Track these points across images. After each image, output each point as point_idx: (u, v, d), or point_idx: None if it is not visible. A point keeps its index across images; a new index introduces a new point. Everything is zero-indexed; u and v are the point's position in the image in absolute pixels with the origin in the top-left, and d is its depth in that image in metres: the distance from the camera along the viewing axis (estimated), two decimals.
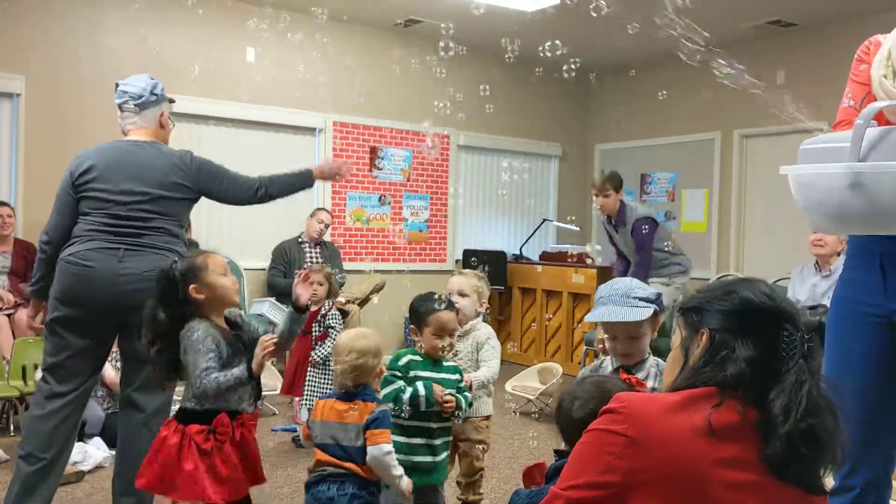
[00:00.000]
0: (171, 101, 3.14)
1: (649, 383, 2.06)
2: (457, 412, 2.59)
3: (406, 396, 2.52)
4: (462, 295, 3.00)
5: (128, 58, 5.90)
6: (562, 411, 1.77)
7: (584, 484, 1.31)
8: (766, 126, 6.65)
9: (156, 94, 3.02)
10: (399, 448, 2.44)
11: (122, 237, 2.77)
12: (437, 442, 2.61)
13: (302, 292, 2.55)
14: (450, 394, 2.57)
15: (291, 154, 6.75)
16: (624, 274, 5.27)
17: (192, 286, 2.38)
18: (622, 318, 2.07)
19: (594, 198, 5.21)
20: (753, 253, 6.99)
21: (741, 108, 6.78)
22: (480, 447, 2.97)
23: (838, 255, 4.53)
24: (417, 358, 2.63)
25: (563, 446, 1.87)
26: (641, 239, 5.14)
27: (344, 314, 5.55)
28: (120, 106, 2.98)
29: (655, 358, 2.17)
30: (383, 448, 2.28)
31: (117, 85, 3.01)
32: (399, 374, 2.59)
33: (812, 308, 4.46)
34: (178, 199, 2.90)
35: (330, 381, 4.17)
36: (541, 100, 7.97)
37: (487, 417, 3.01)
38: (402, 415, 2.51)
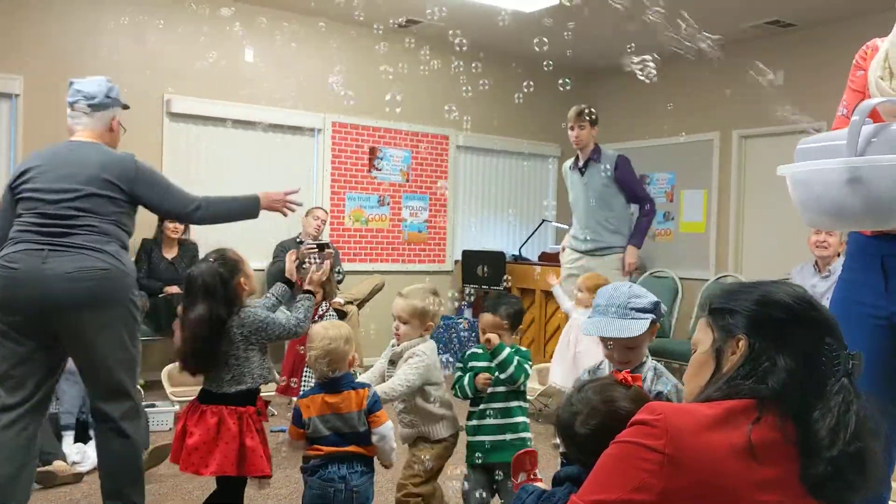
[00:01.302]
0: (125, 107, 3.09)
1: (645, 386, 2.05)
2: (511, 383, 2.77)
3: (456, 385, 2.88)
4: (403, 322, 2.86)
5: (126, 59, 5.90)
6: (562, 425, 1.63)
7: (613, 500, 1.22)
8: (764, 126, 6.65)
9: (110, 98, 2.97)
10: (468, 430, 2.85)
11: (48, 237, 2.69)
12: (496, 422, 2.81)
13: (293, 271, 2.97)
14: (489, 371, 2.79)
15: (290, 155, 6.75)
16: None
17: (240, 280, 2.67)
18: (619, 333, 2.05)
19: (569, 131, 5.06)
20: (752, 253, 6.99)
21: (740, 108, 6.78)
22: (417, 466, 2.82)
23: (838, 255, 4.52)
24: (478, 350, 2.91)
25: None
26: (630, 177, 5.03)
27: (342, 315, 5.55)
28: (71, 105, 2.93)
29: (653, 361, 2.16)
30: (388, 425, 2.50)
31: (71, 83, 2.95)
32: (461, 366, 2.93)
33: None
34: (109, 198, 2.78)
35: None
36: (540, 99, 7.96)
37: (437, 442, 2.85)
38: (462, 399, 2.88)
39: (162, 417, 4.58)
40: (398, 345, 2.88)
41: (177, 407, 4.73)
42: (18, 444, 2.70)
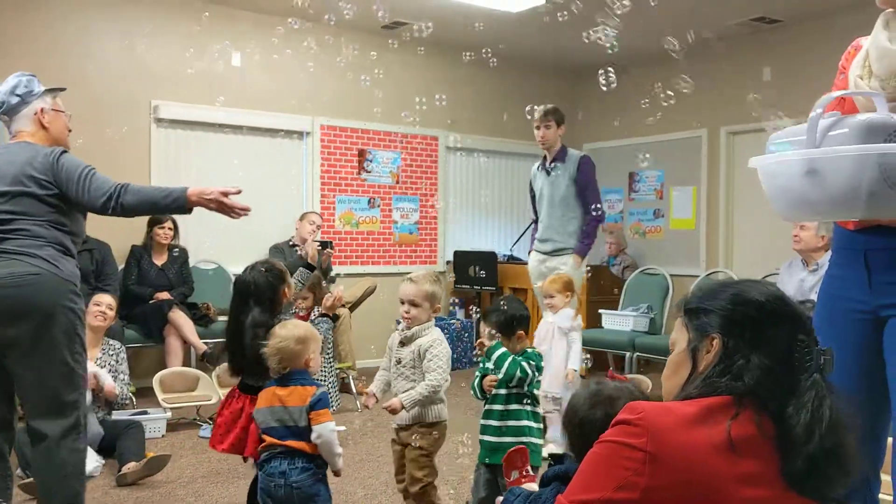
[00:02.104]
0: (56, 90, 2.86)
1: None
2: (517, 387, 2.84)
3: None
4: (414, 305, 2.96)
5: (113, 66, 5.88)
6: (567, 419, 1.66)
7: (597, 499, 1.25)
8: (751, 123, 6.67)
9: (18, 95, 2.77)
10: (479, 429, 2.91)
11: None
12: (496, 423, 2.87)
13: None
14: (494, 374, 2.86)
15: (280, 159, 6.74)
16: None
17: (284, 289, 2.92)
18: None
19: (535, 130, 5.05)
20: (742, 249, 7.02)
21: (727, 105, 6.80)
22: (416, 452, 2.89)
23: (826, 249, 4.54)
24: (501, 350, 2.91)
25: (555, 449, 1.86)
26: (588, 179, 5.03)
27: (335, 318, 5.54)
28: None
29: None
30: (328, 426, 2.52)
31: None
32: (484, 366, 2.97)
33: (800, 303, 4.47)
34: (38, 197, 2.63)
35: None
36: (528, 99, 7.97)
37: (432, 425, 2.93)
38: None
39: (155, 425, 4.56)
40: (408, 328, 2.98)
41: (169, 414, 4.72)
42: None
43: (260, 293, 2.85)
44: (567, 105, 8.43)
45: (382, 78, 6.56)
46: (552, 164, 5.09)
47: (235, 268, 6.07)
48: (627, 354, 5.98)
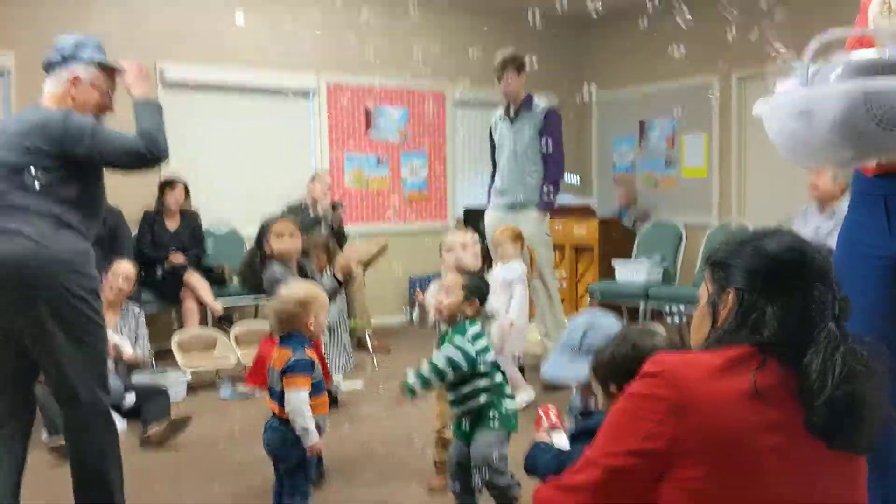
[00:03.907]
0: (110, 67, 2.61)
1: None
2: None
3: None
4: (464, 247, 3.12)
5: (117, 29, 5.81)
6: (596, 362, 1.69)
7: (624, 451, 1.26)
8: (762, 67, 6.56)
9: (63, 56, 2.54)
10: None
11: None
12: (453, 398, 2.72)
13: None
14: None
15: (285, 119, 6.69)
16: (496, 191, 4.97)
17: (266, 241, 3.40)
18: (566, 377, 1.96)
19: (497, 81, 4.82)
20: (756, 196, 6.96)
21: (737, 50, 6.68)
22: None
23: (842, 194, 4.50)
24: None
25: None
26: (553, 133, 4.77)
27: (348, 278, 5.56)
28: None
29: None
30: (298, 394, 2.51)
31: None
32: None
33: None
34: (34, 166, 2.38)
35: (329, 341, 4.23)
36: (535, 49, 7.87)
37: None
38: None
39: (176, 388, 4.61)
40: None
41: (189, 376, 4.77)
42: None
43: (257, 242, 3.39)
44: (576, 54, 8.33)
45: (387, 33, 6.49)
46: (516, 113, 4.87)
47: (248, 229, 6.08)
48: (641, 305, 5.98)
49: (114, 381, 4.08)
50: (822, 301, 1.28)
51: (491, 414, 2.66)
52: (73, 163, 2.44)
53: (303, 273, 3.51)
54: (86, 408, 2.47)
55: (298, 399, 2.51)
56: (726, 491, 1.21)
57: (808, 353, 1.25)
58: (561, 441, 1.73)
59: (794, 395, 1.25)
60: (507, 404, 2.70)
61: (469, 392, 2.65)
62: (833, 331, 1.27)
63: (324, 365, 2.96)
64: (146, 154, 2.48)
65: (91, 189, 2.53)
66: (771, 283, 1.30)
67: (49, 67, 2.56)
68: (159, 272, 5.54)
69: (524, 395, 4.27)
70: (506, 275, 4.23)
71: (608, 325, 1.96)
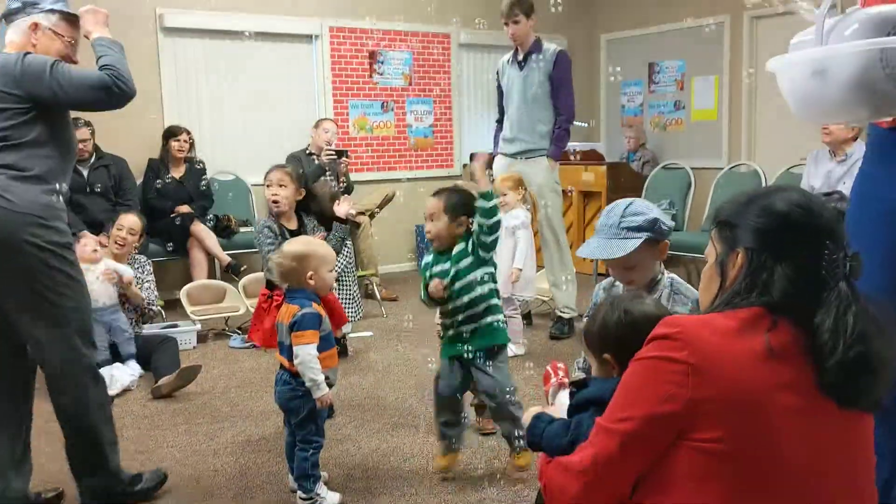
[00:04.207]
0: (69, 14, 2.51)
1: (663, 302, 1.99)
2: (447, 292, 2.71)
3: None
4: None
5: None
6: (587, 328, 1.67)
7: (640, 416, 1.25)
8: (776, 6, 6.40)
9: (23, 2, 2.46)
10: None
11: None
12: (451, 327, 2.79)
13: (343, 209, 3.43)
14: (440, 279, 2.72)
15: (288, 64, 6.59)
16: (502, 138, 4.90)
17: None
18: (608, 255, 2.01)
19: (504, 27, 4.71)
20: (766, 140, 6.87)
21: None
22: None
23: (855, 139, 4.43)
24: (428, 259, 2.84)
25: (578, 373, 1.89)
26: (564, 77, 4.70)
27: (355, 226, 5.54)
28: None
29: (671, 277, 2.11)
30: (306, 349, 2.52)
31: None
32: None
33: (827, 195, 4.40)
34: (9, 112, 2.33)
35: (338, 291, 4.22)
36: None
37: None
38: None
39: (185, 336, 4.65)
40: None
41: (198, 326, 4.80)
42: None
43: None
44: None
45: None
46: (525, 58, 4.76)
47: (252, 178, 6.05)
48: None
49: (121, 320, 4.08)
50: (832, 260, 1.27)
51: (494, 322, 2.74)
52: (37, 105, 2.36)
53: (301, 226, 3.49)
54: (64, 366, 2.44)
55: (306, 353, 2.52)
56: (742, 451, 1.21)
57: (820, 312, 1.24)
58: (564, 399, 1.73)
59: (806, 354, 1.24)
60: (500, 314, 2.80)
61: (476, 281, 2.69)
62: (844, 290, 1.26)
63: (339, 316, 2.94)
64: (112, 87, 2.36)
65: (58, 132, 2.45)
66: (779, 241, 1.29)
67: (8, 16, 2.49)
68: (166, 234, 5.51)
69: (516, 348, 4.25)
70: (508, 222, 4.20)
71: (645, 205, 2.07)
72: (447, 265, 2.74)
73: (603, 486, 1.31)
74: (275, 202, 3.42)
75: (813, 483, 1.24)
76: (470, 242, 2.71)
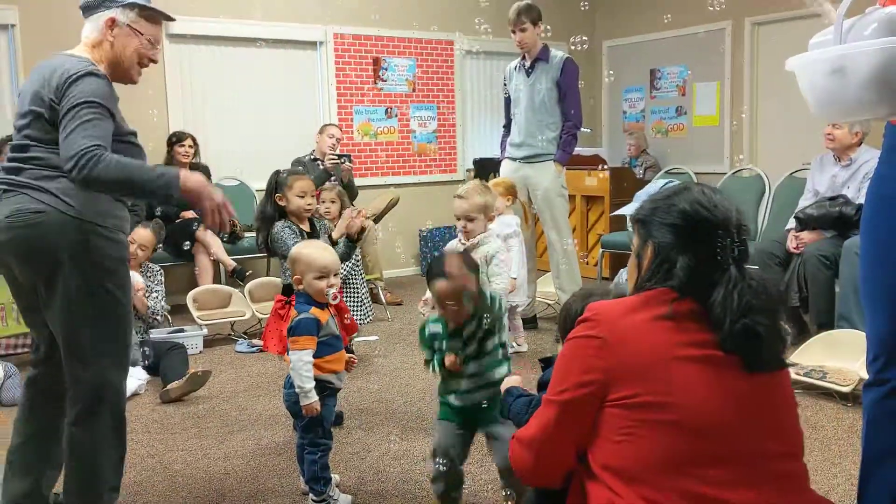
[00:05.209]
0: (155, 11, 2.38)
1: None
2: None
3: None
4: (469, 220, 3.16)
5: None
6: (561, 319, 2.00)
7: (571, 386, 1.49)
8: (778, 12, 6.44)
9: None
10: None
11: (6, 175, 2.25)
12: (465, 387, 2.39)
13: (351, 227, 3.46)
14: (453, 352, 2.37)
15: (293, 70, 6.62)
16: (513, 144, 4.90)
17: (283, 195, 3.40)
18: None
19: (511, 35, 4.78)
20: (768, 145, 6.90)
21: None
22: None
23: (859, 144, 4.45)
24: (436, 329, 2.44)
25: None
26: (571, 83, 4.77)
27: (361, 230, 5.55)
28: None
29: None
30: (296, 354, 2.53)
31: None
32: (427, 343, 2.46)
33: (832, 199, 4.42)
34: (49, 120, 2.21)
35: (346, 295, 4.24)
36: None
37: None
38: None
39: (192, 341, 4.66)
40: (466, 241, 3.13)
41: (205, 331, 4.81)
42: (34, 416, 2.42)
43: (269, 192, 3.45)
44: (584, 1, 8.18)
45: None
46: (533, 64, 4.82)
47: (257, 184, 6.07)
48: None
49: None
50: (724, 247, 1.48)
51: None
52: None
53: (313, 231, 3.52)
54: (93, 404, 2.29)
55: (298, 359, 2.53)
56: (656, 399, 1.41)
57: (713, 293, 1.46)
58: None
59: (706, 322, 1.45)
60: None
61: (491, 349, 2.38)
62: (734, 272, 1.47)
63: (350, 325, 2.86)
64: (72, 168, 2.08)
65: (119, 133, 2.27)
66: (680, 235, 1.51)
67: (86, 10, 2.35)
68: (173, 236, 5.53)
69: (517, 345, 4.38)
70: (499, 230, 4.22)
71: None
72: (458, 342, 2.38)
73: (551, 454, 1.55)
74: (302, 211, 3.44)
75: (731, 420, 1.41)
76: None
